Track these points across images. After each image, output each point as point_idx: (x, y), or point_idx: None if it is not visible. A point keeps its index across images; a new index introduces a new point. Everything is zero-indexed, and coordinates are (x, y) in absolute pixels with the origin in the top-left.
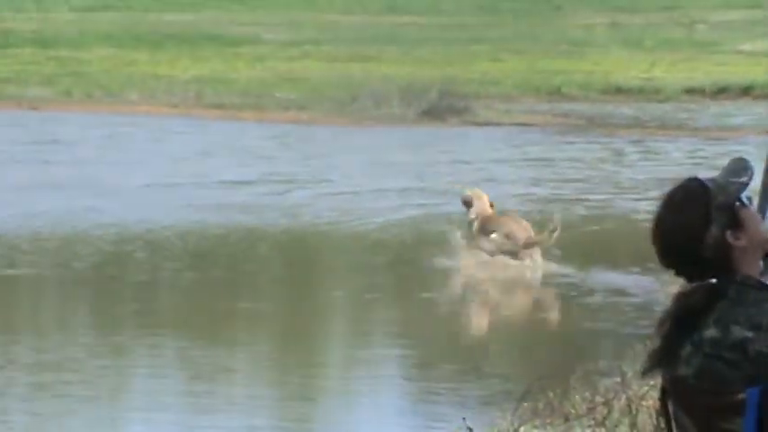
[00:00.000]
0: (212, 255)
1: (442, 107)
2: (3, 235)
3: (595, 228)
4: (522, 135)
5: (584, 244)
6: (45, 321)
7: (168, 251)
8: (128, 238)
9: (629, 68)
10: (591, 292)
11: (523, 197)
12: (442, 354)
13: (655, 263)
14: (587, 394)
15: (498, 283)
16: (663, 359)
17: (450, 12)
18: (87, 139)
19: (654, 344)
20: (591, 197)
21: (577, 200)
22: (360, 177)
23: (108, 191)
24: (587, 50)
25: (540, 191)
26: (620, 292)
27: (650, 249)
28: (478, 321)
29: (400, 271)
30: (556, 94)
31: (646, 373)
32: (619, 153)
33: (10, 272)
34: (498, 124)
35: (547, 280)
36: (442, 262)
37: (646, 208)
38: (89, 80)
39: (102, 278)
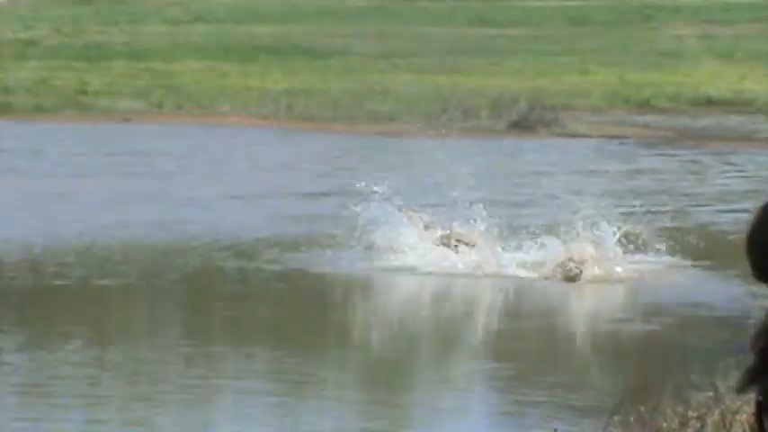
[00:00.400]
0: (295, 264)
1: (532, 119)
2: (94, 245)
3: (677, 239)
4: (610, 147)
5: (666, 255)
6: (139, 332)
7: (255, 261)
8: (216, 248)
9: (720, 80)
10: (676, 305)
11: (605, 208)
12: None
13: (741, 274)
14: (679, 409)
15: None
16: (758, 375)
17: (539, 23)
18: (177, 150)
19: (749, 360)
20: (675, 208)
21: (662, 212)
22: (433, 188)
23: (196, 202)
24: (677, 62)
25: (624, 202)
26: (705, 306)
27: (736, 261)
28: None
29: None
30: (645, 105)
31: (741, 390)
32: (707, 165)
33: (103, 282)
34: (587, 136)
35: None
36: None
37: (731, 219)
38: (180, 92)
39: (193, 289)
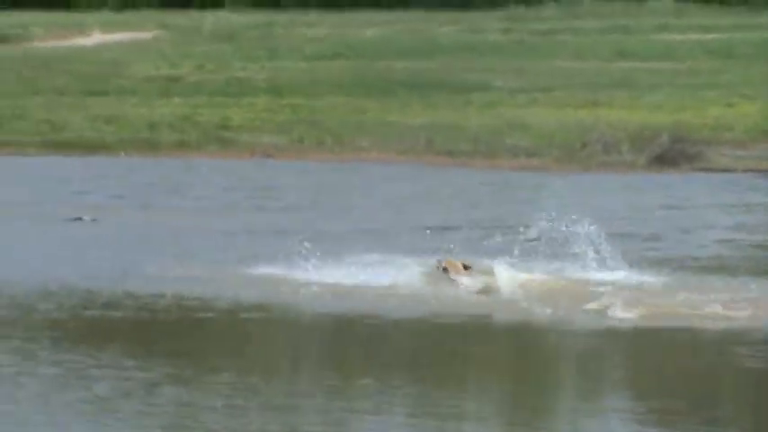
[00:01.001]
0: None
1: (674, 153)
2: (229, 278)
3: None
4: (754, 180)
5: None
6: (284, 364)
7: (382, 293)
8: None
9: None
10: None
11: (727, 243)
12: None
13: None
14: None
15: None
16: None
17: (681, 57)
18: (312, 185)
19: None
20: None
21: None
22: (557, 222)
23: (321, 236)
24: None
25: (750, 237)
26: None
27: None
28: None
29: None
30: None
31: None
32: None
33: (244, 315)
34: (731, 170)
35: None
36: None
37: None
38: (321, 127)
39: (326, 320)
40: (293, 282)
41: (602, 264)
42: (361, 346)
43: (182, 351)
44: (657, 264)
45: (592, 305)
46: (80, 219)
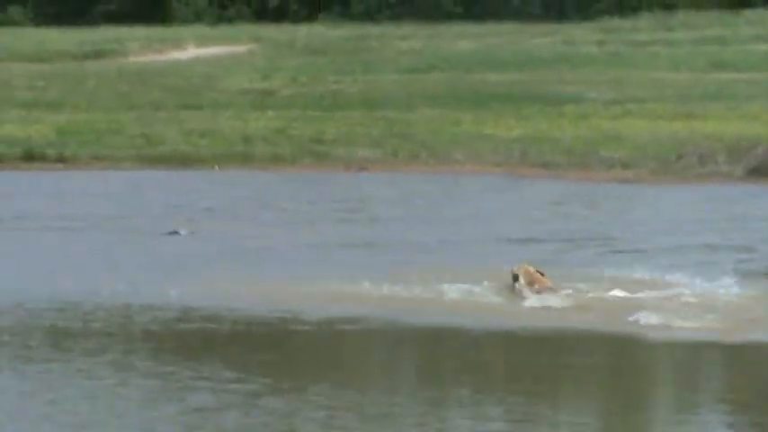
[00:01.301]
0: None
1: None
2: (318, 293)
3: None
4: None
5: None
6: (378, 375)
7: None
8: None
9: None
10: None
11: None
12: None
13: None
14: None
15: None
16: None
17: None
18: (400, 197)
19: None
20: None
21: None
22: (647, 235)
23: (406, 248)
24: None
25: None
26: None
27: None
28: None
29: None
30: None
31: None
32: None
33: (337, 327)
34: None
35: None
36: None
37: None
38: (415, 141)
39: (413, 331)
40: (378, 294)
41: (690, 275)
42: (451, 357)
43: (278, 363)
44: (750, 275)
45: (674, 318)
46: (176, 233)
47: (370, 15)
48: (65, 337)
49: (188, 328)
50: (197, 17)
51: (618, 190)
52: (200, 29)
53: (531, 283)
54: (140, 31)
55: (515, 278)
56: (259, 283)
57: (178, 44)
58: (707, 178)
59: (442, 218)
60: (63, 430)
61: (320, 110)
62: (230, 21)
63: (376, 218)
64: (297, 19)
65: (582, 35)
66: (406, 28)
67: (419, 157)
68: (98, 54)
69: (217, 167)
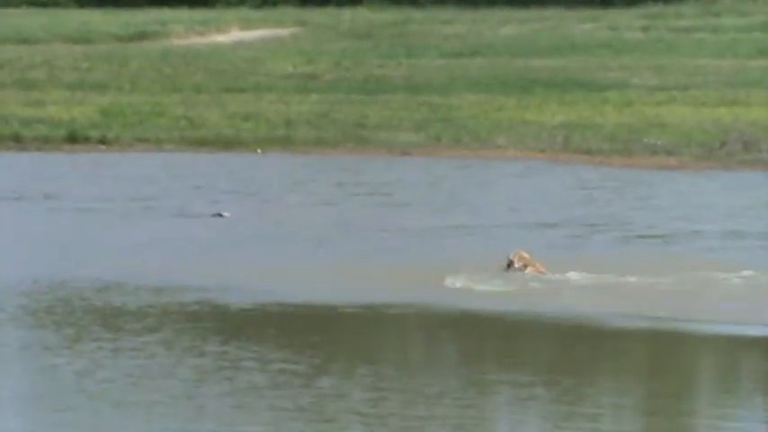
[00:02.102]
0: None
1: None
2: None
3: None
4: None
5: None
6: (426, 358)
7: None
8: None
9: None
10: None
11: None
12: None
13: None
14: None
15: None
16: None
17: None
18: (437, 181)
19: None
20: None
21: None
22: (667, 220)
23: (413, 232)
24: None
25: None
26: None
27: None
28: None
29: None
30: None
31: None
32: None
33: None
34: None
35: None
36: None
37: None
38: (458, 125)
39: (449, 318)
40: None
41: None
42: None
43: (326, 344)
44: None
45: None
46: (220, 215)
47: None
48: (113, 316)
49: (235, 309)
50: (241, 0)
51: (661, 176)
52: (244, 12)
53: (525, 267)
54: (184, 14)
55: (510, 264)
56: (303, 264)
57: (221, 27)
58: (750, 165)
59: (469, 203)
60: (116, 408)
61: (363, 94)
62: (274, 4)
63: (401, 202)
64: (341, 2)
65: (626, 21)
66: (450, 12)
67: (461, 141)
68: (141, 36)
69: (259, 151)
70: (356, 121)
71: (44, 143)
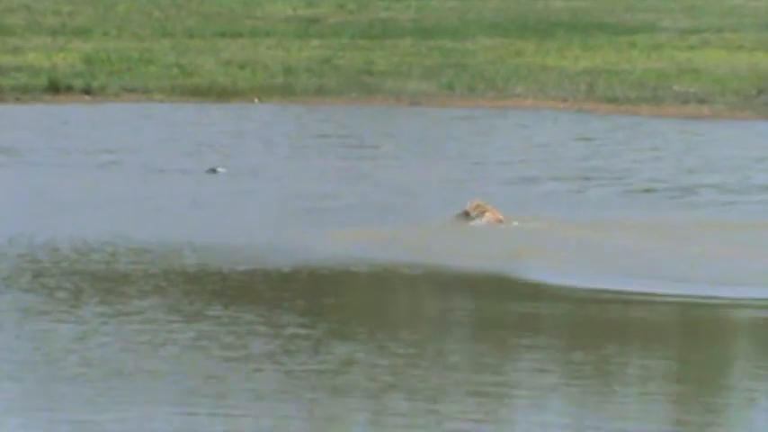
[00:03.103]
0: None
1: None
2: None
3: None
4: None
5: None
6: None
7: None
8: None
9: None
10: None
11: None
12: None
13: None
14: None
15: None
16: None
17: None
18: (436, 134)
19: None
20: None
21: None
22: (671, 172)
23: (394, 185)
24: None
25: None
26: None
27: None
28: None
29: None
30: None
31: None
32: None
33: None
34: None
35: None
36: None
37: None
38: (472, 72)
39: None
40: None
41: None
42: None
43: (342, 307)
44: None
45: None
46: (214, 171)
47: None
48: (116, 279)
49: (242, 271)
50: None
51: (691, 126)
52: None
53: (482, 213)
54: None
55: (466, 214)
56: (308, 226)
57: None
58: None
59: (465, 155)
60: (119, 376)
61: (369, 39)
62: None
63: (391, 154)
64: None
65: None
66: None
67: (476, 90)
68: None
69: (257, 101)
70: (361, 68)
71: (23, 93)
